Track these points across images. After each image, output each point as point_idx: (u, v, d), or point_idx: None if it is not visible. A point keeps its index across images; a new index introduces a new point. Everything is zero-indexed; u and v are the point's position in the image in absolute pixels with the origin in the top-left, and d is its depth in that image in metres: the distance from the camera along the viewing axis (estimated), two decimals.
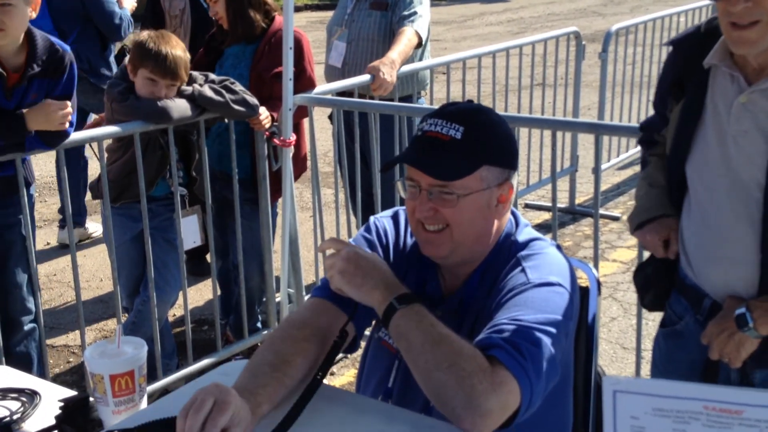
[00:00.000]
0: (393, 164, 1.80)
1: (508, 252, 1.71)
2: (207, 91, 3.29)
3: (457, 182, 1.64)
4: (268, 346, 1.64)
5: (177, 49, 3.21)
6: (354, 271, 1.61)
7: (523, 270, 1.64)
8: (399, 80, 4.11)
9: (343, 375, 3.68)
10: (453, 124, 1.65)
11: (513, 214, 1.79)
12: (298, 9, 3.56)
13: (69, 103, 2.88)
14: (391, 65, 3.96)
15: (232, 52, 3.71)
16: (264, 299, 3.94)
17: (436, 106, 4.14)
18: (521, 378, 1.45)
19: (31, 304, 3.20)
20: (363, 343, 1.91)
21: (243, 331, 3.80)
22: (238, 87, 3.40)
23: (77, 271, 3.21)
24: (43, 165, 6.44)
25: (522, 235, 1.74)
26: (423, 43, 4.21)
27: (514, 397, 1.44)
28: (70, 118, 2.88)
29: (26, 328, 3.24)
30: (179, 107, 3.21)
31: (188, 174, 3.44)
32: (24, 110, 2.80)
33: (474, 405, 1.40)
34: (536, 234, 1.76)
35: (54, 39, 2.90)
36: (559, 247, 1.75)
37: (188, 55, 3.29)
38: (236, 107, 3.35)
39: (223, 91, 3.33)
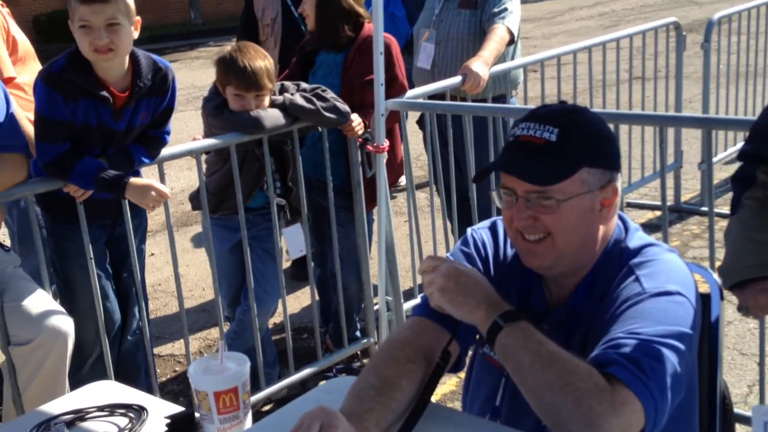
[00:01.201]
0: (487, 172, 1.72)
1: (619, 260, 1.60)
2: (298, 99, 3.29)
3: (556, 186, 1.56)
4: (371, 369, 1.60)
5: (256, 60, 3.20)
6: (455, 288, 1.54)
7: (637, 279, 1.53)
8: (491, 80, 4.02)
9: (445, 383, 3.61)
10: (546, 126, 1.57)
11: (621, 218, 1.68)
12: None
13: (168, 193, 2.91)
14: (484, 63, 3.88)
15: (324, 61, 3.71)
16: (362, 307, 3.92)
17: (530, 106, 4.08)
18: (644, 396, 1.35)
19: (136, 312, 3.26)
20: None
21: (342, 340, 3.79)
22: (330, 94, 3.38)
23: (179, 281, 3.26)
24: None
25: (633, 241, 1.63)
26: (515, 40, 4.11)
27: (637, 417, 1.35)
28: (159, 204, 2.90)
29: (133, 337, 3.31)
30: (272, 117, 3.22)
31: (285, 184, 3.45)
32: (129, 180, 2.81)
33: (593, 427, 1.32)
34: (649, 239, 1.65)
35: (155, 57, 2.92)
36: (676, 253, 1.63)
37: (270, 62, 3.27)
38: (328, 115, 3.34)
39: (315, 99, 3.32)
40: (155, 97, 2.89)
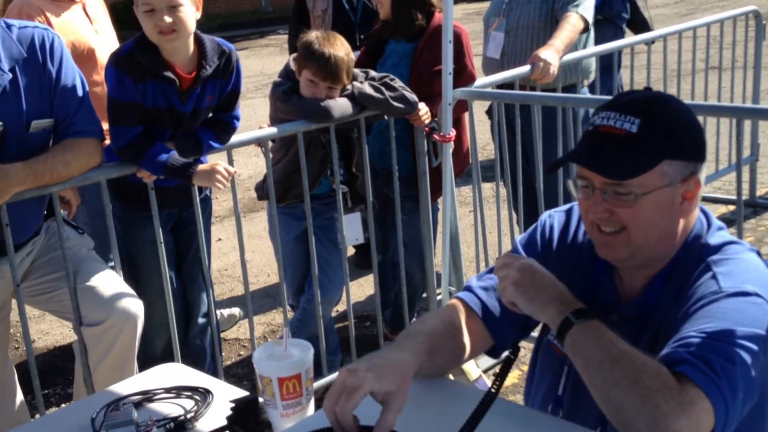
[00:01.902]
0: (561, 164, 1.68)
1: (698, 255, 1.55)
2: (367, 88, 3.28)
3: (634, 180, 1.50)
4: (421, 320, 1.70)
5: (341, 51, 3.20)
6: (529, 283, 1.52)
7: (714, 276, 1.48)
8: (562, 69, 3.94)
9: (507, 377, 3.58)
10: (628, 116, 1.50)
11: (705, 213, 1.62)
12: (455, 1, 3.52)
13: (234, 169, 2.95)
14: (555, 52, 3.81)
15: (394, 50, 3.70)
16: (423, 296, 3.91)
17: (602, 96, 3.99)
18: (715, 397, 1.30)
19: (204, 297, 3.32)
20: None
21: (403, 328, 3.78)
22: (398, 83, 3.37)
23: (246, 267, 3.30)
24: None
25: (714, 238, 1.57)
26: (588, 28, 4.02)
27: (706, 418, 1.31)
28: (227, 182, 2.93)
29: (200, 321, 3.38)
30: (340, 106, 3.22)
31: (349, 171, 3.46)
32: (197, 169, 2.86)
33: (660, 426, 1.28)
34: (731, 237, 1.59)
35: (219, 39, 2.96)
36: (758, 254, 1.57)
37: (352, 59, 3.28)
38: (396, 104, 3.32)
39: (383, 89, 3.31)
40: (220, 79, 2.93)
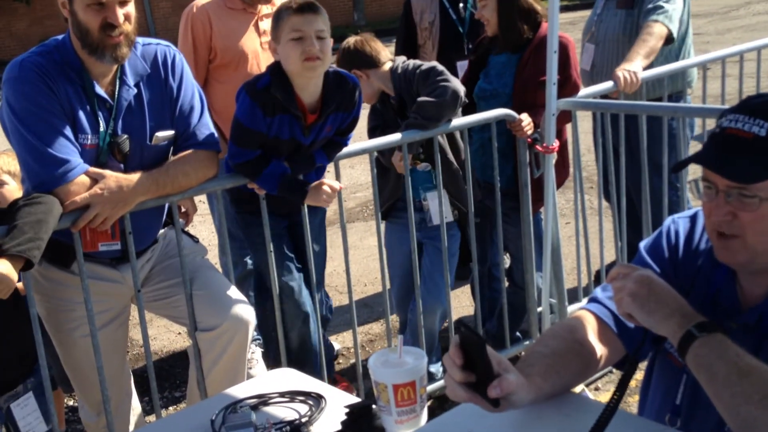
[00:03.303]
0: (685, 164, 1.67)
1: None
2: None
3: (760, 184, 1.48)
4: (539, 342, 1.68)
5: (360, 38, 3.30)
6: (647, 295, 1.50)
7: None
8: (667, 77, 3.87)
9: (609, 390, 3.52)
10: (757, 120, 1.49)
11: None
12: (561, 10, 3.48)
13: (339, 185, 3.01)
14: (631, 65, 3.74)
15: (499, 60, 3.70)
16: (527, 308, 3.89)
17: (709, 105, 3.88)
18: None
19: (306, 308, 3.39)
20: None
21: (504, 340, 3.77)
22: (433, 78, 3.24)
23: (350, 275, 3.36)
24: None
25: None
26: (674, 38, 3.93)
27: None
28: (333, 198, 3.01)
29: (301, 328, 3.44)
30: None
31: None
32: (310, 187, 2.95)
33: None
34: None
35: (342, 71, 3.02)
36: None
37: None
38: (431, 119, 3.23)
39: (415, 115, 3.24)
40: (342, 112, 2.99)
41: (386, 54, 3.46)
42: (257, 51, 3.68)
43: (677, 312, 1.48)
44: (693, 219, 1.74)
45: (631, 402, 3.18)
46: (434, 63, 3.32)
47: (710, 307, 1.61)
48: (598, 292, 1.75)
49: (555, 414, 1.55)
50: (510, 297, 3.78)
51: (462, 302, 4.52)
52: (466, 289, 4.38)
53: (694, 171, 4.23)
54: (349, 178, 7.16)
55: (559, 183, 3.85)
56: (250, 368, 3.67)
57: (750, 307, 1.60)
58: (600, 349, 1.65)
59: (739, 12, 14.47)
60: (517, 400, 1.46)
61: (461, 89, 3.21)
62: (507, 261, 4.35)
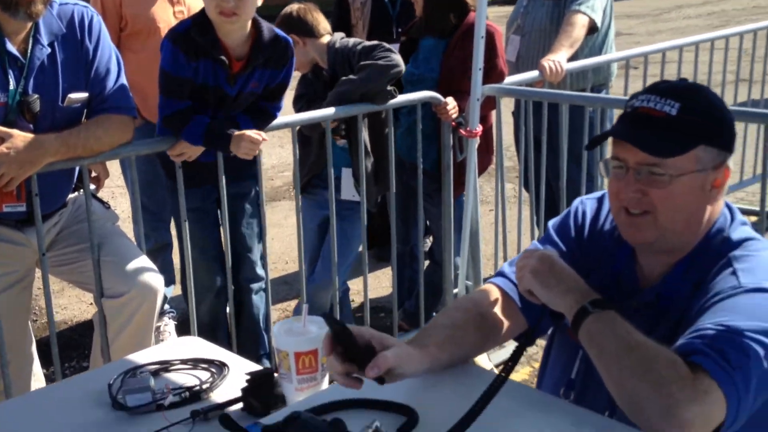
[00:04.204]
0: (601, 140, 1.70)
1: (719, 249, 1.56)
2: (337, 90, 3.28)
3: (670, 161, 1.52)
4: (443, 313, 1.71)
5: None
6: (547, 271, 1.54)
7: (734, 272, 1.49)
8: (590, 70, 3.96)
9: (518, 372, 3.59)
10: (667, 100, 1.54)
11: (729, 208, 1.64)
12: (490, 3, 3.49)
13: (262, 136, 2.94)
14: (559, 53, 3.81)
15: (427, 45, 3.72)
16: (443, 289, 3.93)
17: (624, 97, 3.99)
18: (728, 388, 1.31)
19: (261, 272, 3.39)
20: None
21: (419, 320, 3.81)
22: (379, 52, 3.30)
23: (266, 253, 3.34)
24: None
25: (737, 233, 1.59)
26: (598, 27, 4.03)
27: (718, 408, 1.31)
28: (257, 151, 2.96)
29: (255, 295, 3.44)
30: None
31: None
32: (234, 133, 2.90)
33: (672, 414, 1.29)
34: (754, 233, 1.59)
35: (278, 30, 3.00)
36: None
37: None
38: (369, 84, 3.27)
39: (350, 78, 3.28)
40: (271, 69, 2.97)
41: (326, 27, 3.47)
42: (170, 21, 3.59)
43: (575, 289, 1.51)
44: (600, 200, 1.78)
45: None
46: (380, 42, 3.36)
47: (612, 286, 1.66)
48: (505, 267, 1.78)
49: (452, 382, 1.58)
50: (429, 276, 3.82)
51: (382, 283, 4.54)
52: (388, 270, 4.41)
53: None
54: (278, 157, 7.11)
55: (483, 168, 3.89)
56: (162, 340, 3.62)
57: (648, 286, 1.64)
58: (502, 322, 1.68)
59: (671, 15, 14.86)
60: (405, 371, 1.46)
61: (402, 66, 3.29)
62: (429, 242, 4.40)
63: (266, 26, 2.94)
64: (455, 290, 3.89)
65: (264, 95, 3.02)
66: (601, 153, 3.71)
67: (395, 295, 3.76)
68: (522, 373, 3.56)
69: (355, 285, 4.12)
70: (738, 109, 4.64)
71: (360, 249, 3.63)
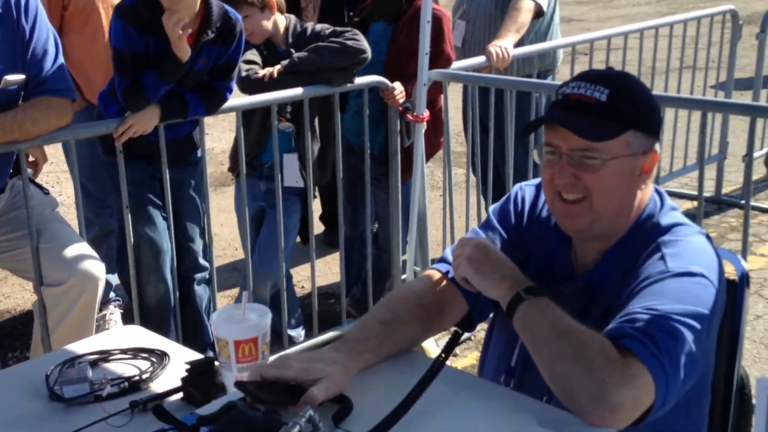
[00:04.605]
0: (534, 126, 1.73)
1: (648, 234, 1.60)
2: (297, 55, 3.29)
3: (601, 145, 1.57)
4: (382, 304, 1.68)
5: None
6: (482, 259, 1.55)
7: (662, 257, 1.52)
8: (536, 56, 3.98)
9: (466, 357, 3.63)
10: (597, 87, 1.58)
11: (659, 194, 1.68)
12: None
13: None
14: (506, 38, 3.84)
15: (377, 28, 3.72)
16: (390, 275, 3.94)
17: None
18: (656, 371, 1.34)
19: (203, 262, 3.36)
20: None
21: (367, 306, 3.81)
22: (341, 39, 3.34)
23: (212, 239, 3.31)
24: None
25: (666, 218, 1.63)
26: (544, 12, 4.06)
27: (647, 391, 1.34)
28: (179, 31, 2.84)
29: (198, 286, 3.40)
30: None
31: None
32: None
33: (603, 398, 1.31)
34: (682, 219, 1.63)
35: (228, 8, 2.98)
36: (707, 237, 1.62)
37: None
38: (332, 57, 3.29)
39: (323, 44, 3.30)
40: (219, 46, 2.95)
41: (284, 7, 3.46)
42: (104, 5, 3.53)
43: (509, 276, 1.53)
44: (538, 187, 1.80)
45: None
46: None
47: (547, 272, 1.68)
48: (447, 252, 1.79)
49: (388, 369, 1.58)
50: (375, 260, 3.82)
51: (333, 269, 4.53)
52: (337, 255, 4.41)
53: None
54: (228, 141, 7.02)
55: (432, 153, 3.91)
56: (108, 329, 3.57)
57: (581, 273, 1.67)
58: (446, 309, 1.69)
59: (621, 1, 14.99)
60: (339, 391, 1.44)
61: (369, 54, 3.32)
62: (375, 227, 4.40)
63: (216, 2, 2.92)
64: (403, 276, 3.90)
65: (212, 73, 3.00)
66: (535, 143, 3.75)
67: (343, 281, 3.76)
68: (470, 358, 3.60)
69: (304, 271, 4.11)
70: (677, 96, 4.75)
71: (298, 239, 3.61)
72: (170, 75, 2.83)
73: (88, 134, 2.84)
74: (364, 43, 3.33)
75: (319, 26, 3.42)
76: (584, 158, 1.58)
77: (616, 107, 1.57)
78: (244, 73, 3.22)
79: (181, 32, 2.76)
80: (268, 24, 3.36)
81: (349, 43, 3.30)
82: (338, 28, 3.39)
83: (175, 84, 2.91)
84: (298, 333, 3.67)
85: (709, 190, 5.23)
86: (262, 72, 3.26)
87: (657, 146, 1.65)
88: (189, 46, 2.84)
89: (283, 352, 3.40)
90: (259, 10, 3.30)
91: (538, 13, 4.03)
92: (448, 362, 1.49)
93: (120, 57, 2.84)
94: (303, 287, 4.29)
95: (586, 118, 1.57)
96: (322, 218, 4.84)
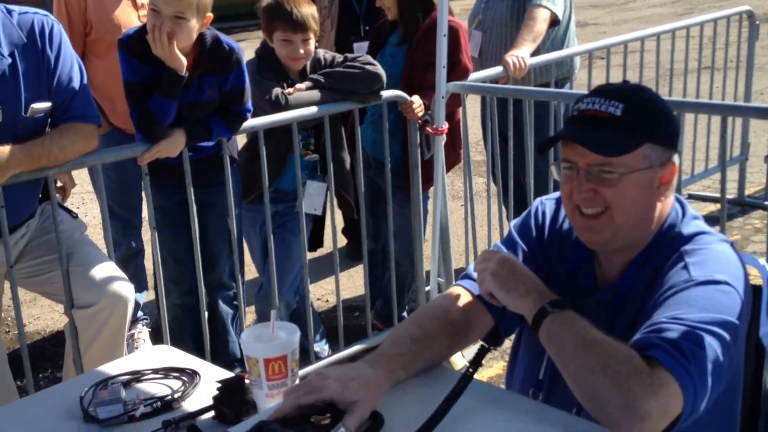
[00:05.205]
0: (551, 143, 1.74)
1: (671, 244, 1.61)
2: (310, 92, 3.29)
3: (618, 159, 1.57)
4: (412, 320, 1.68)
5: (302, 4, 3.25)
6: (507, 274, 1.57)
7: (686, 266, 1.53)
8: (553, 64, 3.98)
9: (492, 367, 3.63)
10: (612, 102, 1.59)
11: (681, 203, 1.69)
12: None
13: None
14: (523, 48, 3.85)
15: (393, 42, 3.74)
16: (413, 287, 3.95)
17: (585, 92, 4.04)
18: (684, 380, 1.35)
19: (229, 281, 3.40)
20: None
21: (392, 319, 3.83)
22: (359, 62, 3.35)
23: (243, 260, 3.34)
24: None
25: (688, 228, 1.63)
26: (560, 20, 4.07)
27: (676, 400, 1.35)
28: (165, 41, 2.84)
29: (222, 304, 3.44)
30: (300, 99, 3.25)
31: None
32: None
33: (632, 408, 1.32)
34: (705, 227, 1.64)
35: (223, 37, 3.01)
36: (731, 244, 1.62)
37: (314, 8, 3.32)
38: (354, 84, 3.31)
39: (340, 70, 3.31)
40: (218, 75, 2.99)
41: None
42: (134, 25, 3.58)
43: (534, 291, 1.55)
44: (559, 201, 1.81)
45: None
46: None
47: (571, 285, 1.70)
48: (470, 269, 1.81)
49: (417, 384, 1.59)
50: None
51: (356, 282, 4.55)
52: (359, 268, 4.42)
53: None
54: None
55: (450, 166, 3.92)
56: (137, 348, 3.61)
57: (605, 285, 1.68)
58: (472, 325, 1.70)
59: (636, 4, 14.96)
60: (372, 408, 1.45)
61: (383, 76, 3.34)
62: None
63: (210, 34, 2.96)
64: (427, 288, 3.91)
65: (223, 101, 3.05)
66: (556, 153, 3.75)
67: (368, 294, 3.78)
68: (496, 368, 3.60)
69: (329, 285, 4.13)
70: (697, 101, 4.73)
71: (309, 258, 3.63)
72: (171, 88, 2.86)
73: (114, 158, 2.89)
74: (381, 71, 3.36)
75: (329, 54, 3.42)
76: (602, 173, 1.59)
77: (631, 121, 1.58)
78: (274, 98, 3.21)
79: (167, 43, 2.78)
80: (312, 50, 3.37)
81: (368, 67, 3.33)
82: (349, 54, 3.41)
83: (191, 115, 2.98)
84: (322, 347, 3.69)
85: (731, 192, 5.21)
86: (291, 89, 3.27)
87: (675, 158, 1.65)
88: (187, 72, 2.88)
89: (312, 367, 3.43)
90: (314, 37, 3.33)
91: (554, 21, 4.05)
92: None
93: (129, 89, 2.89)
94: (327, 301, 4.31)
95: (601, 133, 1.58)
96: (344, 231, 4.86)
